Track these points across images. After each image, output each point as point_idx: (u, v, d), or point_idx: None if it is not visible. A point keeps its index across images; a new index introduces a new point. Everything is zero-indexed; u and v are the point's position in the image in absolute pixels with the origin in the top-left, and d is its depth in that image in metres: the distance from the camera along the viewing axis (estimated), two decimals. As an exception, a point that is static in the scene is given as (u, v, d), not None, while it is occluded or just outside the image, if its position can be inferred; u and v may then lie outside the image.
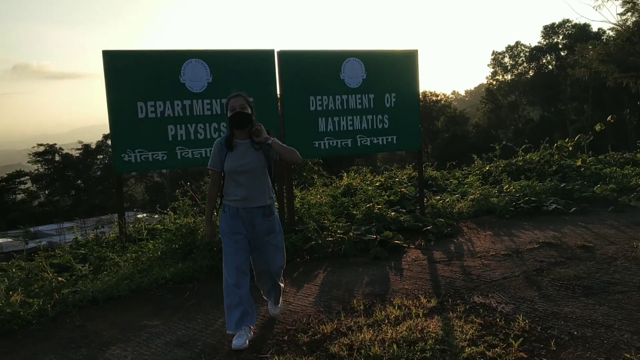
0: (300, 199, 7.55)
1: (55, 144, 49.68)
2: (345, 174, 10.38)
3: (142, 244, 6.30)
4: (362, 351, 3.34)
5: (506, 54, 57.89)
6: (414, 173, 9.76)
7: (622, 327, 3.61)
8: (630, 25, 10.88)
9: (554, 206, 7.58)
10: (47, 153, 48.29)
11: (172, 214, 7.28)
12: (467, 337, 3.49)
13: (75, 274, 5.40)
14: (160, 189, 49.04)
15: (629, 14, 10.81)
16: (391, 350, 3.31)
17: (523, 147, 11.18)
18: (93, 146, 50.14)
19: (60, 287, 4.90)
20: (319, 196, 8.23)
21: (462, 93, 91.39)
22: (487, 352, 3.25)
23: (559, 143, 10.63)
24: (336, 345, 3.48)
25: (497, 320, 3.79)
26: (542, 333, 3.57)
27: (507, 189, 8.65)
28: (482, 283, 4.70)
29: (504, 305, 4.12)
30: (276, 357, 3.40)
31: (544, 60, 53.92)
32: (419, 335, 3.53)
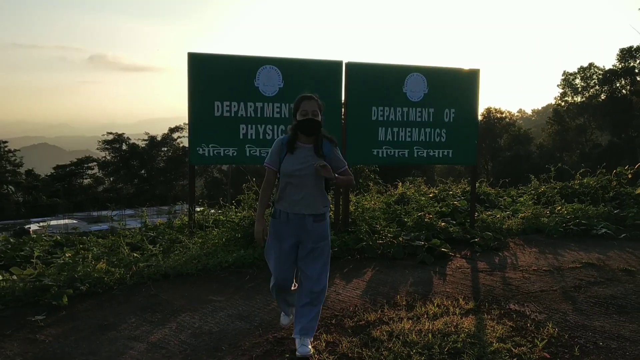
0: (355, 203, 8.03)
1: (124, 134, 52.08)
2: (400, 184, 10.79)
3: (208, 231, 6.95)
4: (401, 337, 3.79)
5: (578, 75, 56.50)
6: (468, 188, 10.05)
7: (645, 343, 3.91)
8: None
9: (603, 230, 7.76)
10: (115, 142, 50.75)
11: (234, 207, 7.92)
12: (497, 335, 3.88)
13: (146, 253, 6.07)
14: (218, 185, 50.54)
15: None
16: (426, 339, 3.75)
17: (581, 170, 11.27)
18: (159, 138, 52.22)
19: (136, 262, 5.58)
20: (373, 202, 8.70)
21: (529, 112, 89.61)
22: (513, 349, 3.64)
23: (618, 169, 10.67)
24: (378, 331, 3.95)
25: (528, 325, 4.16)
26: (569, 340, 3.91)
27: (559, 210, 8.85)
28: (519, 293, 5.04)
29: (537, 314, 4.46)
30: (324, 336, 3.89)
31: (617, 85, 52.34)
32: (453, 330, 3.95)
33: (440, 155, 7.75)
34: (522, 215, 8.55)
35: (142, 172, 51.60)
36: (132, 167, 50.79)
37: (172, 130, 52.66)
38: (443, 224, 7.57)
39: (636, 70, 50.43)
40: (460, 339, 3.75)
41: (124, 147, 51.24)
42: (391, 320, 4.20)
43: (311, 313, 3.65)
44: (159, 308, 4.56)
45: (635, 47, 50.41)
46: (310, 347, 3.59)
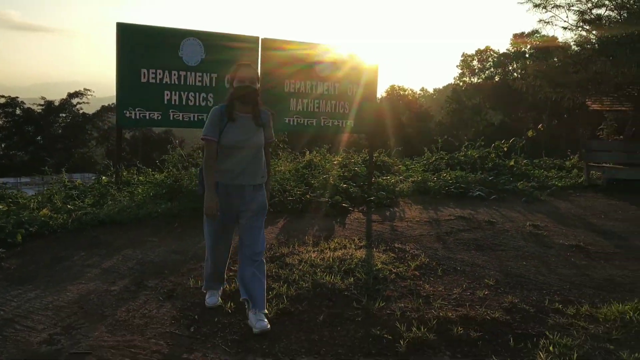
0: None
1: (17, 97, 49.48)
2: (307, 152, 11.89)
3: (134, 187, 7.70)
4: (308, 262, 4.89)
5: (475, 57, 60.22)
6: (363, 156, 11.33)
7: (492, 268, 5.24)
8: (573, 46, 12.55)
9: (477, 193, 9.28)
10: (8, 105, 48.13)
11: (150, 170, 8.64)
12: (382, 260, 5.08)
13: (78, 204, 6.75)
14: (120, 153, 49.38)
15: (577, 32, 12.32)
16: (328, 263, 4.87)
17: (466, 144, 12.91)
18: (56, 103, 50.10)
19: (74, 211, 6.28)
20: (283, 167, 9.73)
21: (431, 90, 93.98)
22: (392, 269, 4.84)
23: (496, 144, 12.38)
24: (290, 259, 5.03)
25: (406, 256, 5.39)
26: (435, 266, 5.18)
27: (444, 176, 10.32)
28: (403, 237, 6.29)
29: (414, 250, 5.71)
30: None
31: (510, 68, 56.45)
32: (349, 257, 5.10)
33: (344, 125, 8.90)
34: (412, 179, 9.93)
35: (38, 138, 49.44)
36: (26, 134, 48.51)
37: (71, 95, 50.64)
38: (345, 185, 8.75)
39: (527, 55, 54.58)
40: (354, 262, 4.91)
41: (18, 111, 48.75)
42: (300, 252, 5.29)
43: (261, 285, 3.67)
44: (103, 246, 5.37)
45: (526, 32, 54.44)
46: (266, 320, 3.60)
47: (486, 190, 9.52)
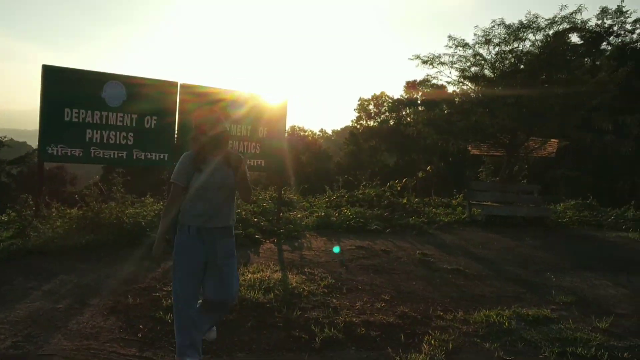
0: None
1: None
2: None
3: (52, 220, 8.04)
4: (232, 283, 5.62)
5: (371, 102, 63.55)
6: (275, 194, 12.22)
7: (387, 287, 6.24)
8: (457, 96, 14.31)
9: (375, 226, 10.40)
10: None
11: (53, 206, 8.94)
12: (295, 280, 5.94)
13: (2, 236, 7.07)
14: (7, 190, 46.94)
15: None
16: (249, 282, 5.63)
17: (364, 183, 14.17)
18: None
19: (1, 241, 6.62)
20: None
21: (330, 132, 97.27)
22: (305, 287, 5.70)
23: (390, 183, 13.73)
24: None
25: (315, 277, 6.27)
26: (340, 286, 6.09)
27: (344, 212, 11.39)
28: (311, 263, 7.18)
29: (322, 273, 6.60)
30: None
31: (403, 113, 60.09)
32: (267, 278, 5.90)
33: (255, 164, 9.76)
34: (317, 215, 10.91)
35: None
36: None
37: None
38: (255, 219, 9.54)
39: (419, 102, 58.52)
40: (272, 282, 5.72)
41: None
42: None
43: (219, 318, 3.95)
44: (39, 272, 5.81)
45: (418, 80, 58.52)
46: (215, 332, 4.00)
47: (382, 224, 10.67)
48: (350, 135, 63.88)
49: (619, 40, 37.26)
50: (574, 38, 38.69)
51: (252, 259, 7.18)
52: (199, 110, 3.87)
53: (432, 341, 4.49)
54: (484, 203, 12.72)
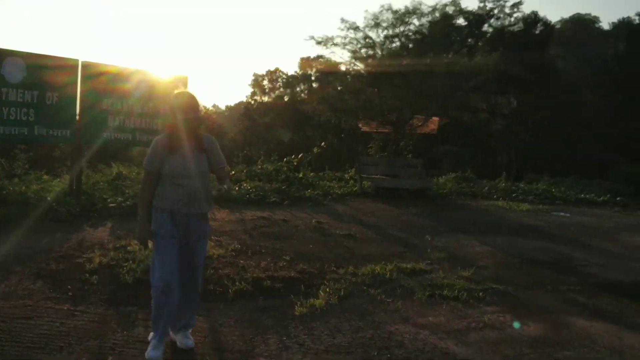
0: (86, 176, 9.93)
1: None
2: (114, 164, 12.86)
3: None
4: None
5: (266, 78, 63.98)
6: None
7: (288, 250, 7.07)
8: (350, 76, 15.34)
9: (273, 199, 11.22)
10: None
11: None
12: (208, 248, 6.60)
13: None
14: None
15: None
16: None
17: (262, 159, 14.92)
18: None
19: None
20: (97, 179, 10.66)
21: (223, 107, 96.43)
22: (215, 252, 6.41)
23: (286, 159, 14.58)
24: (131, 248, 6.29)
25: (223, 244, 6.99)
26: (246, 250, 6.85)
27: (244, 186, 12.10)
28: (218, 232, 7.87)
29: (228, 240, 7.33)
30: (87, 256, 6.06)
31: (298, 89, 61.13)
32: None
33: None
34: (217, 189, 11.51)
35: None
36: None
37: None
38: (159, 193, 10.02)
39: (312, 78, 59.77)
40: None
41: None
42: (129, 245, 6.56)
43: (192, 309, 3.97)
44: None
45: (312, 57, 59.66)
46: (192, 338, 3.96)
47: (281, 197, 11.52)
48: (245, 111, 64.05)
49: (499, 23, 40.30)
50: (460, 20, 41.35)
51: (161, 229, 7.76)
52: (175, 95, 3.82)
53: (327, 289, 5.39)
54: (373, 176, 13.91)
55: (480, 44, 39.52)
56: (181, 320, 3.89)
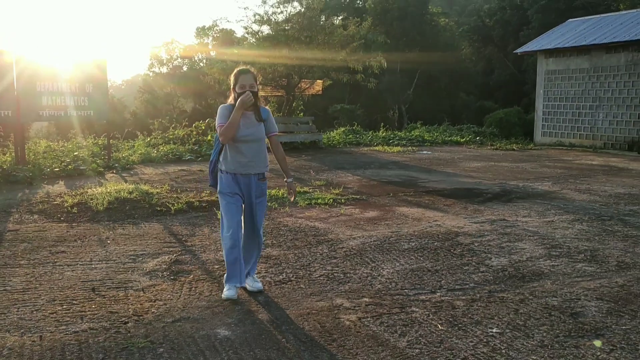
0: (28, 148, 11.88)
1: None
2: (41, 140, 14.67)
3: None
4: (105, 191, 8.52)
5: (163, 49, 64.29)
6: (103, 140, 14.69)
7: (206, 188, 9.58)
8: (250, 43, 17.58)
9: (189, 157, 13.62)
10: None
11: None
12: (144, 188, 8.99)
13: None
14: None
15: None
16: (115, 190, 8.57)
17: (172, 125, 17.13)
18: None
19: None
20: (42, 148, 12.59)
21: (119, 82, 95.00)
22: (152, 190, 8.80)
23: (195, 124, 16.87)
24: (92, 191, 8.57)
25: (157, 186, 9.36)
26: (176, 188, 9.26)
27: (162, 149, 14.34)
28: (149, 181, 10.20)
29: (160, 184, 9.69)
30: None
31: (196, 58, 62.08)
32: (125, 188, 8.85)
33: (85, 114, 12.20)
34: (139, 152, 13.73)
35: None
36: None
37: None
38: (91, 158, 12.14)
39: (210, 47, 60.94)
40: (130, 190, 8.70)
41: None
42: (91, 190, 8.83)
43: (256, 258, 4.67)
44: (-50, 202, 8.11)
45: (207, 26, 60.72)
46: (260, 282, 4.65)
47: (194, 155, 13.92)
48: (144, 83, 64.27)
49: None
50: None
51: (104, 182, 10.00)
52: (238, 70, 4.39)
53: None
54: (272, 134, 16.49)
55: (366, 7, 42.72)
56: (247, 267, 4.56)
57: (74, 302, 4.33)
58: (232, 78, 4.40)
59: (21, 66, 11.13)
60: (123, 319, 4.00)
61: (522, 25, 37.55)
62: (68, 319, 4.00)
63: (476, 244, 6.08)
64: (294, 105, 17.67)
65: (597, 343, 3.67)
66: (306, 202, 8.30)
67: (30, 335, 3.72)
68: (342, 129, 20.51)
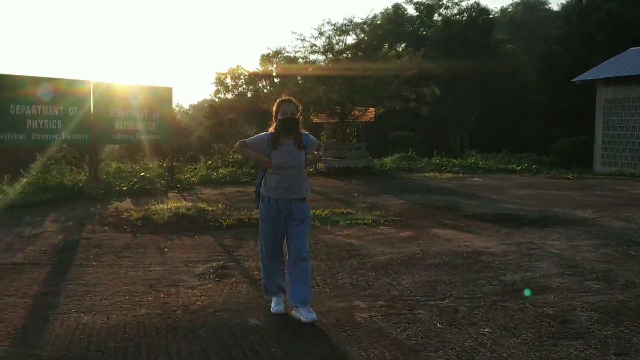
0: (101, 169, 13.25)
1: None
2: (111, 162, 16.13)
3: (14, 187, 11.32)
4: (170, 208, 9.57)
5: (228, 75, 66.90)
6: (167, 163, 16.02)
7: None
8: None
9: (245, 179, 14.69)
10: None
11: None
12: (203, 207, 9.99)
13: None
14: None
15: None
16: (177, 209, 9.61)
17: (232, 150, 18.33)
18: None
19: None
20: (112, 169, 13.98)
21: (186, 107, 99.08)
22: (208, 208, 9.79)
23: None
24: (158, 207, 9.66)
25: (213, 204, 10.36)
26: (232, 207, 10.23)
27: (221, 171, 15.48)
28: (207, 200, 11.24)
29: (217, 203, 10.69)
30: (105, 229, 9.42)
31: (260, 85, 64.28)
32: (183, 206, 9.87)
33: (152, 138, 13.48)
34: (200, 174, 14.91)
35: None
36: None
37: None
38: (156, 179, 13.36)
39: (273, 74, 63.01)
40: (188, 207, 9.72)
41: None
42: (157, 207, 9.91)
43: (308, 286, 4.64)
44: (25, 220, 9.35)
45: (272, 53, 62.87)
46: (314, 313, 4.55)
47: (250, 177, 14.97)
48: (210, 108, 66.88)
49: (448, 12, 44.28)
50: (411, 10, 45.25)
51: (166, 200, 11.12)
52: (280, 100, 4.65)
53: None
54: (326, 159, 17.44)
55: (430, 32, 43.43)
56: (299, 296, 4.57)
57: (135, 294, 5.28)
58: (274, 107, 4.61)
59: (97, 94, 12.51)
60: (173, 308, 4.91)
61: (590, 52, 37.28)
62: (129, 306, 4.95)
63: (496, 262, 6.67)
64: (347, 132, 18.57)
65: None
66: (347, 222, 9.08)
67: (99, 316, 4.68)
68: (397, 155, 21.20)
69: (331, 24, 17.09)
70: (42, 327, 4.43)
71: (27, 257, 6.72)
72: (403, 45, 43.50)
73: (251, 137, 4.78)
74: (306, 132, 4.77)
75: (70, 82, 12.26)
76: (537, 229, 8.93)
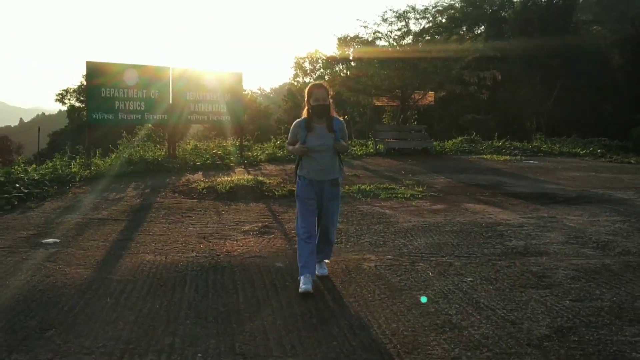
0: (178, 146, 14.78)
1: None
2: (189, 140, 17.70)
3: (102, 162, 13.00)
4: (234, 180, 10.86)
5: (306, 59, 68.28)
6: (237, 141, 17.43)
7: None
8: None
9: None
10: None
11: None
12: (260, 179, 11.21)
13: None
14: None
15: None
16: (238, 179, 10.86)
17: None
18: None
19: (76, 172, 11.61)
20: (189, 146, 15.50)
21: (268, 90, 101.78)
22: (266, 180, 10.99)
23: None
24: (221, 179, 10.97)
25: (272, 178, 11.55)
26: (286, 181, 11.39)
27: (286, 151, 16.68)
28: (268, 175, 12.45)
29: (275, 178, 11.87)
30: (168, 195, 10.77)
31: (337, 68, 65.23)
32: (245, 178, 11.12)
33: (225, 119, 14.86)
34: (267, 152, 16.17)
35: None
36: None
37: None
38: (226, 156, 14.72)
39: (350, 58, 63.78)
40: (249, 180, 10.94)
41: None
42: (215, 180, 11.20)
43: (330, 248, 5.29)
44: (124, 181, 10.89)
45: (349, 37, 63.60)
46: (326, 268, 5.27)
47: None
48: (288, 92, 68.60)
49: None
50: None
51: (232, 174, 12.43)
52: (311, 85, 4.85)
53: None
54: (386, 140, 18.31)
55: (509, 13, 42.76)
56: (320, 253, 5.13)
57: (190, 243, 6.53)
58: (306, 92, 4.81)
59: (175, 78, 13.97)
60: (218, 253, 6.11)
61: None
62: (184, 250, 6.20)
63: (509, 232, 7.42)
64: (407, 114, 19.34)
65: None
66: (387, 196, 10.01)
67: (159, 256, 5.95)
68: (460, 138, 21.69)
69: (393, 11, 17.88)
70: (115, 262, 5.75)
71: (110, 214, 8.17)
72: (482, 27, 43.07)
73: (290, 132, 5.06)
74: (338, 117, 5.00)
75: (152, 69, 13.77)
76: (566, 206, 9.44)
